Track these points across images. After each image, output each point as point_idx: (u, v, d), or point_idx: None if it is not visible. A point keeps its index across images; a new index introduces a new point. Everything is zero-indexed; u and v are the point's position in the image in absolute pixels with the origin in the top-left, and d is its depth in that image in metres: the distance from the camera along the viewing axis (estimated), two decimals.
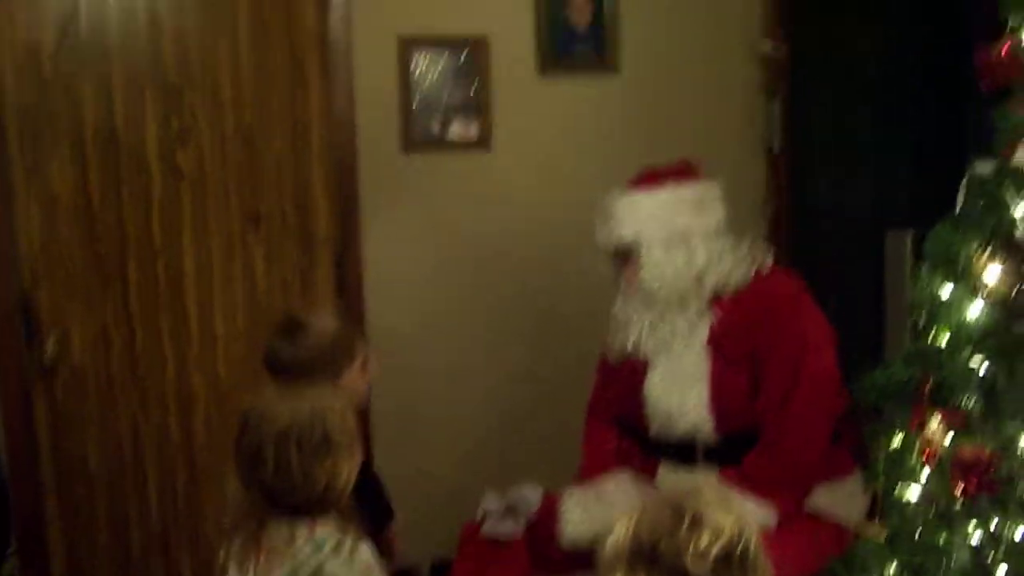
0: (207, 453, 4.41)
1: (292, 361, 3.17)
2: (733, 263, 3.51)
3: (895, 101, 4.73)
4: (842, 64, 4.77)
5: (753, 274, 3.53)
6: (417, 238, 4.57)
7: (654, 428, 3.55)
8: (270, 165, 4.36)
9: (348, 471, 2.63)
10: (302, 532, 2.56)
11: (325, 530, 2.58)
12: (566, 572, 3.57)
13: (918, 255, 4.27)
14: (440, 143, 4.54)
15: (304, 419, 2.56)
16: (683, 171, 3.58)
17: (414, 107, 4.48)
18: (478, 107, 4.54)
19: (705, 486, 1.86)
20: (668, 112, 4.72)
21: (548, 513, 3.73)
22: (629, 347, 3.56)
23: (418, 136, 4.51)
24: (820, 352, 3.44)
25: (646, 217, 3.48)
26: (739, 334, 3.46)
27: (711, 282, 3.48)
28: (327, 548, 2.55)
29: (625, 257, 3.55)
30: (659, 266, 3.46)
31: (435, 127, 4.52)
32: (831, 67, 4.77)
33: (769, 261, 3.60)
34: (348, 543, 2.58)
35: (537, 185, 4.65)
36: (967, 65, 4.38)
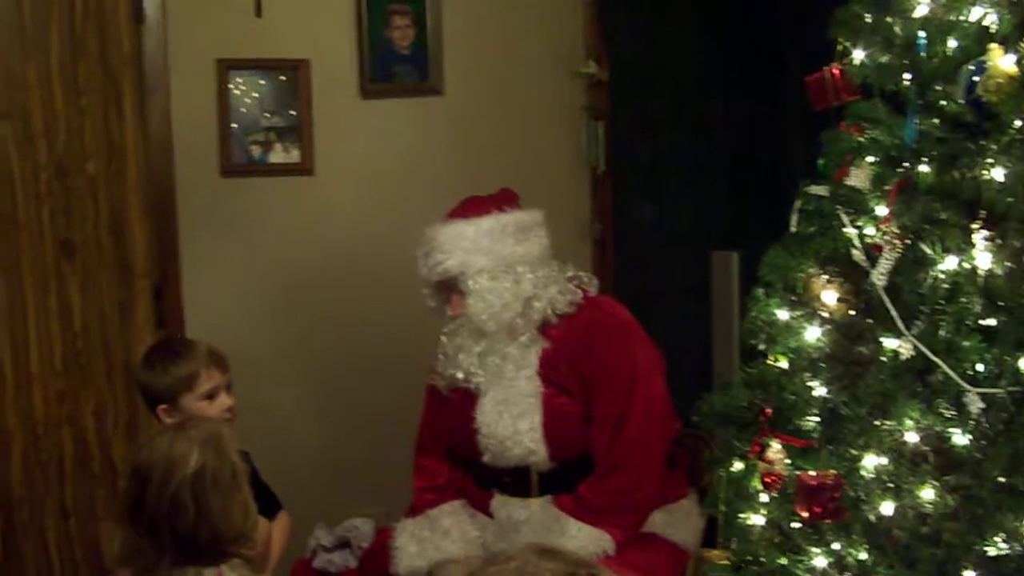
0: (25, 500, 4.22)
1: (139, 381, 3.34)
2: (559, 290, 3.49)
3: (716, 122, 4.80)
4: (663, 85, 4.81)
5: (580, 300, 3.52)
6: (238, 265, 4.47)
7: (487, 456, 3.50)
8: (84, 192, 4.21)
9: (252, 500, 2.59)
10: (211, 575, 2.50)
11: (232, 573, 2.53)
12: None
13: (745, 276, 4.36)
14: (260, 167, 4.44)
15: (211, 454, 2.51)
16: (505, 199, 3.55)
17: (233, 131, 4.38)
18: (299, 131, 4.46)
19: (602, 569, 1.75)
20: (492, 134, 4.69)
21: (381, 545, 3.68)
22: (460, 377, 3.52)
23: (238, 160, 4.41)
24: (651, 377, 3.44)
25: (470, 246, 3.43)
26: (569, 361, 3.44)
27: (539, 309, 3.45)
28: None
29: (449, 288, 3.50)
30: (486, 296, 3.41)
31: (255, 151, 4.42)
32: (653, 88, 4.81)
33: (595, 287, 3.60)
34: None
35: (361, 209, 4.58)
36: (788, 87, 4.50)
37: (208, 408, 3.22)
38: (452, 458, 3.69)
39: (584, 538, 3.29)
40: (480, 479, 3.59)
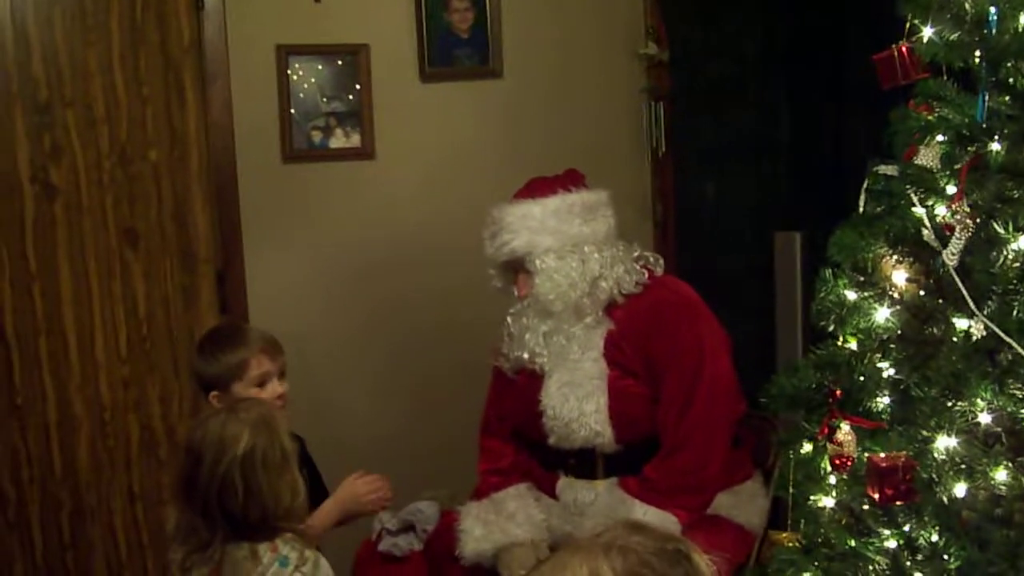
0: (92, 484, 4.27)
1: (193, 368, 3.40)
2: (625, 269, 3.48)
3: (778, 102, 4.75)
4: (724, 65, 4.77)
5: (646, 280, 3.51)
6: (300, 250, 4.48)
7: (553, 438, 3.50)
8: (147, 180, 4.25)
9: (302, 480, 2.67)
10: (265, 551, 2.56)
11: (287, 547, 2.58)
12: None
13: (807, 257, 4.33)
14: (321, 152, 4.46)
15: (263, 436, 2.58)
16: (571, 179, 3.55)
17: (294, 117, 4.39)
18: (359, 115, 4.46)
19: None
20: (552, 117, 4.68)
21: (446, 529, 3.68)
22: (525, 358, 3.52)
23: (299, 146, 4.42)
24: (717, 356, 3.42)
25: (536, 226, 3.44)
26: (635, 342, 3.43)
27: (605, 289, 3.45)
28: (292, 564, 2.56)
29: (516, 268, 3.50)
30: (553, 276, 3.41)
31: (316, 136, 4.43)
32: (713, 68, 4.78)
33: (660, 267, 3.59)
34: (311, 557, 2.59)
35: (422, 193, 4.59)
36: (850, 65, 4.46)
37: (259, 395, 3.22)
38: (517, 440, 3.69)
39: (650, 520, 3.27)
40: (545, 461, 3.59)
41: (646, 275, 3.52)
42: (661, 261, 3.61)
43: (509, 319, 3.58)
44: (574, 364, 3.45)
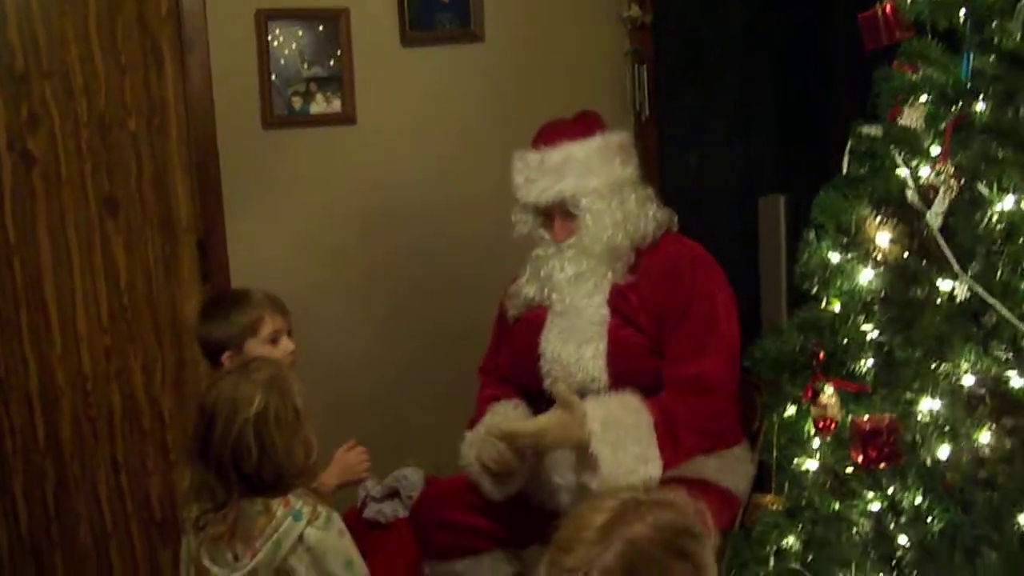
0: (76, 454, 4.26)
1: (199, 332, 3.35)
2: (654, 213, 3.48)
3: (762, 66, 4.73)
4: (709, 28, 4.74)
5: (662, 234, 3.50)
6: (282, 217, 4.46)
7: (548, 382, 3.47)
8: (126, 149, 4.22)
9: (313, 438, 2.70)
10: (278, 505, 2.60)
11: (300, 501, 2.62)
12: (453, 557, 3.52)
13: (792, 220, 4.32)
14: (302, 118, 4.42)
15: (275, 395, 2.62)
16: (597, 120, 3.54)
17: (274, 83, 4.35)
18: (340, 80, 4.43)
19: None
20: (534, 80, 4.65)
21: (431, 496, 3.67)
22: (533, 297, 3.50)
23: (279, 112, 4.38)
24: (730, 315, 3.42)
25: (582, 168, 3.40)
26: (648, 291, 3.40)
27: (639, 231, 3.43)
28: (304, 517, 2.61)
29: (553, 212, 3.46)
30: (601, 217, 3.38)
31: (296, 102, 4.40)
32: (698, 32, 4.75)
33: (675, 223, 3.57)
34: (323, 511, 2.64)
35: (403, 157, 4.55)
36: (832, 28, 4.44)
37: (272, 352, 3.24)
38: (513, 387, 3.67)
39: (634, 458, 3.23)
40: (538, 410, 3.55)
41: (673, 217, 3.54)
42: (675, 217, 3.58)
43: (531, 262, 3.55)
44: (577, 310, 3.43)
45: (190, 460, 2.66)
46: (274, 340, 3.29)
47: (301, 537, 2.59)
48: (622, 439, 3.20)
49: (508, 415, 3.52)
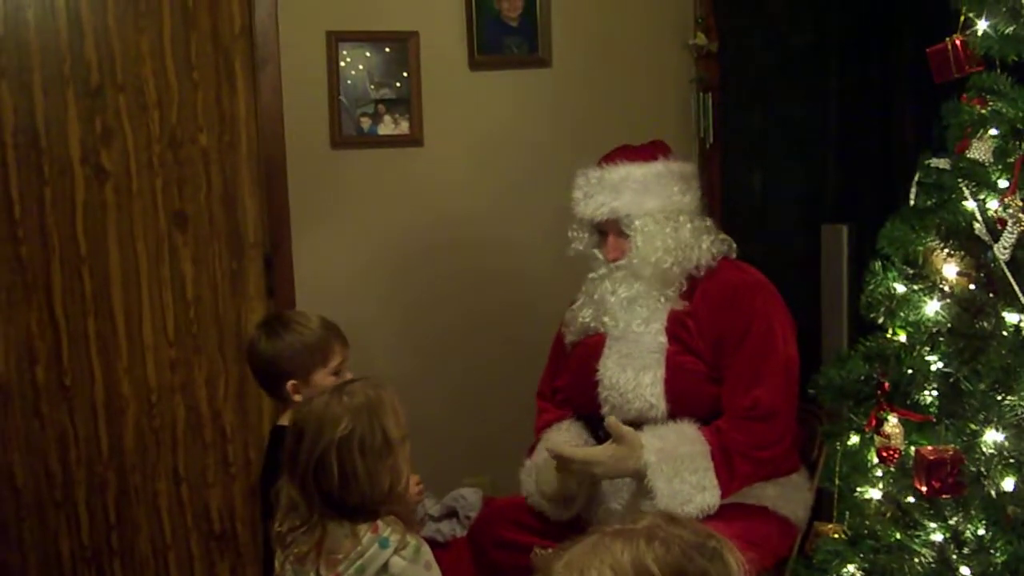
0: (138, 465, 4.31)
1: (265, 355, 3.21)
2: (711, 244, 3.50)
3: (827, 94, 4.72)
4: (774, 56, 4.74)
5: (720, 260, 3.52)
6: (348, 236, 4.50)
7: (606, 408, 3.48)
8: (197, 164, 4.27)
9: (407, 466, 2.67)
10: (365, 531, 2.57)
11: (388, 529, 2.58)
12: None
13: (855, 249, 4.31)
14: (370, 139, 4.47)
15: (364, 421, 2.58)
16: (662, 148, 3.59)
17: (343, 103, 4.40)
18: (408, 102, 4.47)
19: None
20: (600, 106, 4.68)
21: (489, 515, 3.68)
22: (591, 323, 3.53)
23: (347, 132, 4.43)
24: (788, 342, 3.42)
25: (639, 188, 3.45)
26: (706, 317, 3.42)
27: (692, 260, 3.45)
28: (392, 546, 2.56)
29: (607, 231, 3.50)
30: (652, 239, 3.42)
31: (365, 123, 4.44)
32: (763, 59, 4.75)
33: (735, 250, 3.58)
34: (412, 542, 2.59)
35: (469, 180, 4.59)
36: (901, 57, 4.43)
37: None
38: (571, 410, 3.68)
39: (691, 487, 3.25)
40: (595, 435, 3.57)
41: (731, 248, 3.56)
42: (735, 245, 3.60)
43: (586, 284, 3.58)
44: (635, 336, 3.44)
45: (284, 475, 2.66)
46: (337, 373, 3.21)
47: (386, 566, 2.55)
48: (679, 469, 3.21)
49: (562, 437, 3.53)
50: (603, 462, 3.24)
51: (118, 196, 4.19)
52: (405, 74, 4.46)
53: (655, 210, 3.44)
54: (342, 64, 4.39)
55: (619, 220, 3.45)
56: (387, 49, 4.44)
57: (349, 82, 4.40)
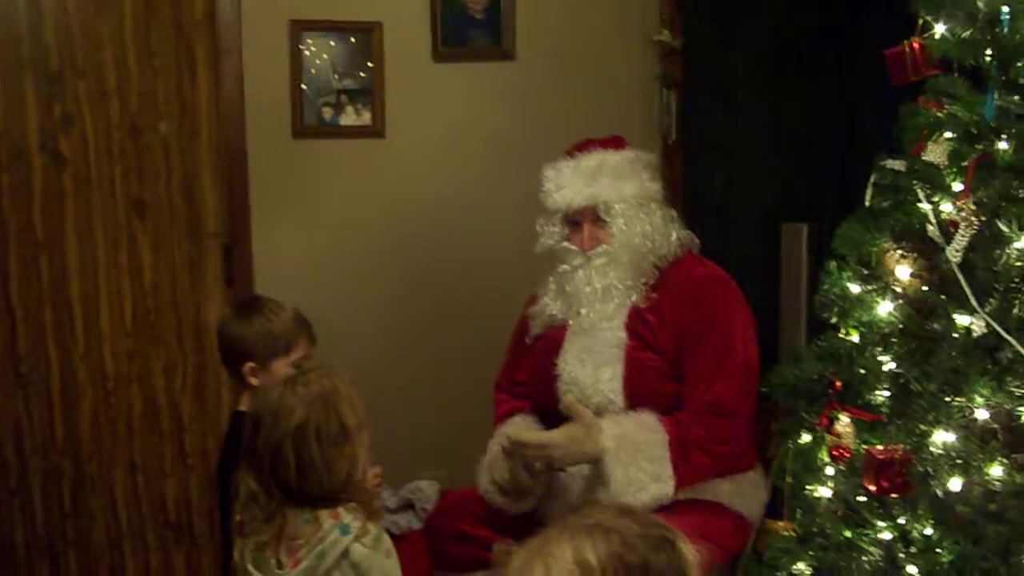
0: (94, 454, 4.30)
1: (230, 332, 3.25)
2: (677, 233, 3.51)
3: (789, 94, 4.73)
4: (737, 56, 4.75)
5: (684, 253, 3.52)
6: (308, 226, 4.49)
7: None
8: (157, 152, 4.26)
9: (364, 455, 2.67)
10: (326, 517, 2.57)
11: (349, 515, 2.59)
12: (466, 570, 3.51)
13: (814, 248, 4.32)
14: (331, 129, 4.46)
15: (319, 410, 2.59)
16: (624, 142, 3.58)
17: (305, 93, 4.39)
18: (371, 93, 4.46)
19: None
20: (563, 101, 4.66)
21: (446, 508, 3.68)
22: (561, 315, 3.52)
23: (309, 122, 4.42)
24: (748, 340, 3.42)
25: (614, 174, 3.44)
26: (670, 313, 3.41)
27: (660, 248, 3.45)
28: (352, 532, 2.57)
29: (581, 221, 3.48)
30: (632, 224, 3.41)
31: (327, 113, 4.43)
32: (726, 58, 4.76)
33: (696, 245, 3.59)
34: (372, 530, 2.60)
35: (431, 173, 4.58)
36: (860, 60, 4.45)
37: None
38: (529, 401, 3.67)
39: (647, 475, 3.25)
40: (554, 426, 3.55)
41: (696, 241, 3.57)
42: (697, 240, 3.60)
43: (555, 278, 3.56)
44: (595, 331, 3.44)
45: (241, 466, 2.66)
46: (298, 366, 3.19)
47: (347, 552, 2.56)
48: (636, 457, 3.21)
49: (518, 427, 3.52)
50: (560, 444, 3.23)
51: (76, 184, 4.17)
52: (369, 64, 4.44)
53: (631, 196, 3.44)
54: (306, 53, 4.37)
55: (596, 207, 3.43)
56: (352, 39, 4.42)
57: (312, 72, 4.39)
